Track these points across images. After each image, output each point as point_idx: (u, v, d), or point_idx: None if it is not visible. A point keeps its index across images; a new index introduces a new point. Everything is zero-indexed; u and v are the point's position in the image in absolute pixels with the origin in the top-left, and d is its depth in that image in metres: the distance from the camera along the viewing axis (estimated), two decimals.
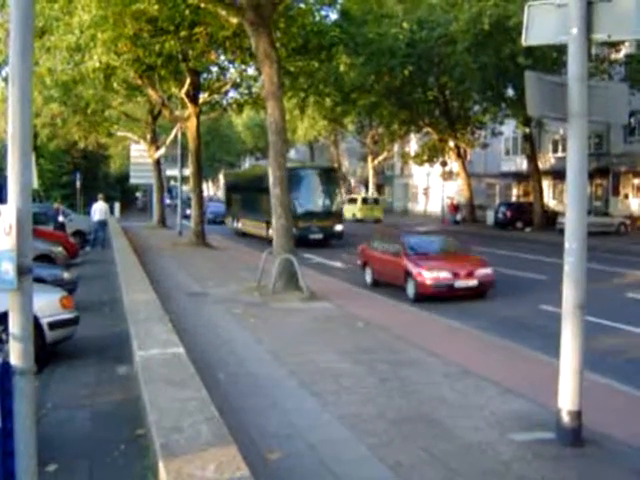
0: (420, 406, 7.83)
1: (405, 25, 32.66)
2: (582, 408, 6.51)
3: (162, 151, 39.22)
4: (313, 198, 31.30)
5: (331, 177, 32.77)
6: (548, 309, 13.99)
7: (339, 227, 31.27)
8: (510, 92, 34.41)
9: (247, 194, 37.07)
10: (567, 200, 6.44)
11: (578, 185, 6.37)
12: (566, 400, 6.49)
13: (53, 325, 9.56)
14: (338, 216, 31.77)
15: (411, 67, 33.23)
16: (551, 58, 28.93)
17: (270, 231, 21.40)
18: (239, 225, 38.32)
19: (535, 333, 12.54)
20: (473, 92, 35.62)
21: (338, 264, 24.22)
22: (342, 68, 30.28)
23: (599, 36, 6.48)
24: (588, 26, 6.32)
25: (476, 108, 40.85)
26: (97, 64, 21.75)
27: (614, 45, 29.35)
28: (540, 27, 6.81)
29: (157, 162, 40.87)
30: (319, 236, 30.38)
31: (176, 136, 35.66)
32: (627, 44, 31.31)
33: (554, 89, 6.35)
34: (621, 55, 33.07)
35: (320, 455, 6.39)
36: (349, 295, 16.20)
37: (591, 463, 6.26)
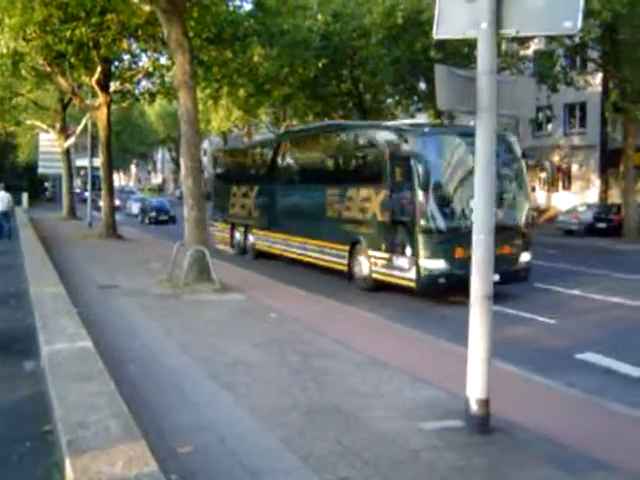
0: (332, 397, 7.85)
1: (320, 17, 32.76)
2: (490, 396, 6.63)
3: (72, 140, 38.32)
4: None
5: (516, 156, 16.54)
6: (456, 299, 14.28)
7: (526, 257, 16.14)
8: (422, 85, 34.85)
9: (291, 188, 22.05)
10: (475, 193, 6.54)
11: (486, 178, 6.48)
12: (474, 388, 6.60)
13: None
14: (525, 236, 16.29)
15: (325, 59, 33.35)
16: (462, 52, 29.40)
17: (367, 266, 16.74)
18: (260, 242, 23.68)
19: (445, 322, 12.76)
20: (386, 85, 35.89)
21: (248, 257, 24.11)
22: (256, 59, 30.19)
23: (508, 31, 6.58)
24: (497, 21, 6.40)
25: (389, 101, 41.24)
26: (4, 50, 21.16)
27: (523, 41, 30.00)
28: (450, 21, 6.87)
29: (67, 152, 39.93)
30: (494, 277, 13.57)
31: (86, 125, 34.91)
32: (536, 40, 32.10)
33: (464, 83, 6.43)
34: (530, 52, 33.86)
35: (231, 447, 6.33)
36: (262, 287, 16.16)
37: (499, 450, 6.38)
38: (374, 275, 16.42)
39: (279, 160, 23.10)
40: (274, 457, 6.19)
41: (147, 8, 17.24)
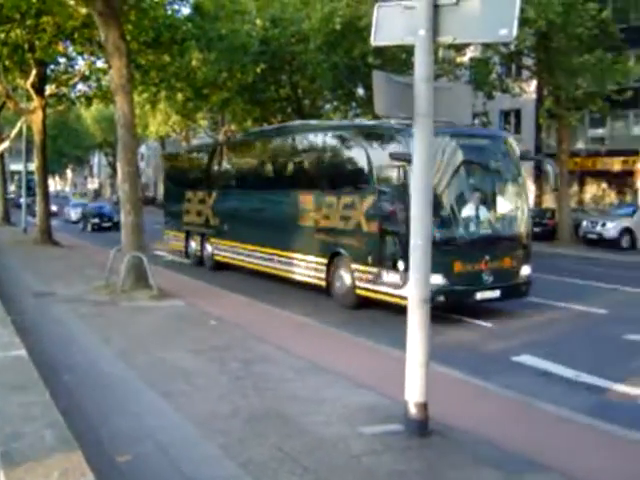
0: (273, 403, 7.83)
1: (258, 22, 32.67)
2: (429, 399, 6.69)
3: (6, 144, 37.54)
4: (487, 203, 14.31)
5: (513, 159, 14.83)
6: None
7: (527, 270, 14.51)
8: (360, 91, 35.03)
9: (258, 194, 19.80)
10: (413, 198, 6.60)
11: (423, 183, 6.54)
12: (413, 392, 6.65)
13: None
14: (526, 247, 14.72)
15: (264, 64, 33.22)
16: (400, 59, 29.66)
17: (350, 281, 15.02)
18: (220, 253, 21.68)
19: (384, 327, 12.83)
20: (325, 90, 36.00)
21: (189, 260, 23.86)
22: (194, 63, 29.97)
23: (445, 38, 6.66)
24: (435, 28, 6.47)
25: (327, 106, 41.38)
26: None
27: (460, 48, 30.40)
28: (388, 28, 6.94)
29: (1, 156, 39.11)
30: (494, 294, 13.92)
31: (21, 129, 34.23)
32: (472, 48, 32.57)
33: (401, 89, 6.49)
34: (466, 59, 34.33)
35: (170, 456, 6.27)
36: (202, 293, 16.05)
37: (437, 453, 6.44)
38: (359, 291, 14.67)
39: (243, 163, 21.59)
40: (213, 464, 6.15)
41: (84, 11, 17.07)
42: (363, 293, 14.60)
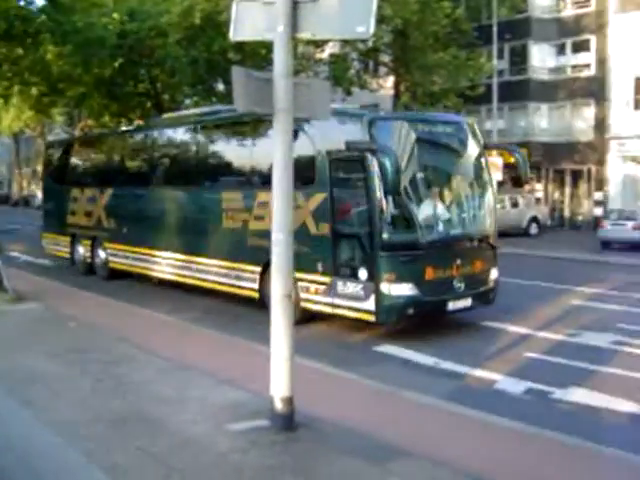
0: (137, 405, 7.68)
1: (116, 15, 31.87)
2: (294, 393, 6.72)
3: None
4: (455, 198, 12.91)
5: (478, 146, 13.22)
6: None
7: (494, 274, 13.08)
8: (221, 86, 34.82)
9: (169, 192, 17.22)
10: (274, 193, 6.61)
11: (284, 179, 6.56)
12: (278, 387, 6.67)
13: None
14: (494, 247, 13.21)
15: (122, 58, 32.47)
16: (261, 54, 29.66)
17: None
18: (117, 259, 18.70)
19: (249, 322, 12.81)
20: (184, 85, 35.56)
21: (47, 262, 22.99)
22: (49, 57, 28.95)
23: (304, 34, 6.73)
24: (293, 24, 6.51)
25: (187, 101, 40.94)
26: None
27: (319, 44, 30.71)
28: (247, 24, 6.93)
29: None
30: (466, 302, 12.37)
31: None
32: (331, 44, 32.96)
33: (260, 85, 6.48)
34: (325, 55, 34.72)
35: (33, 466, 6.05)
36: (61, 294, 15.52)
37: (304, 446, 6.49)
38: (305, 304, 12.54)
39: (152, 153, 18.37)
40: (78, 472, 5.99)
41: None
42: (310, 307, 12.55)
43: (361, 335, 12.02)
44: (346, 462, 6.13)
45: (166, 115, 21.57)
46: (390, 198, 11.17)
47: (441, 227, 12.15)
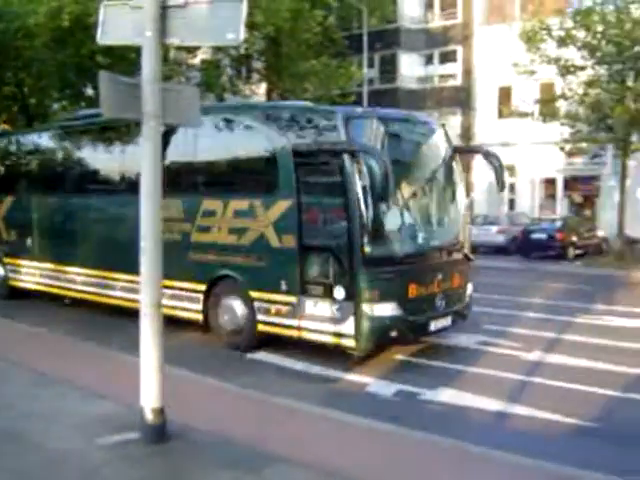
0: (5, 421, 7.37)
1: None
2: (166, 404, 6.62)
3: None
4: (432, 205, 11.76)
5: (450, 148, 12.24)
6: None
7: (470, 289, 12.14)
8: (90, 91, 33.99)
9: (86, 198, 15.14)
10: (142, 201, 6.49)
11: (152, 185, 6.46)
12: (148, 398, 6.55)
13: None
14: (469, 259, 12.24)
15: None
16: (130, 59, 29.13)
17: (245, 315, 11.43)
18: (18, 277, 16.68)
19: (121, 332, 12.52)
20: (52, 89, 34.54)
21: None
22: None
23: (172, 40, 6.64)
24: (162, 30, 6.42)
25: (55, 106, 39.78)
26: None
27: (191, 50, 30.44)
28: (116, 27, 6.80)
29: None
30: (447, 322, 11.27)
31: None
32: (204, 49, 32.73)
33: (129, 90, 6.35)
34: (197, 60, 34.45)
35: None
36: None
37: (177, 457, 6.40)
38: (263, 327, 11.16)
39: (67, 155, 15.90)
40: None
41: None
42: (268, 330, 11.13)
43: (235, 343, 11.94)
44: (220, 472, 6.08)
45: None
46: (370, 206, 9.80)
47: (422, 238, 10.84)
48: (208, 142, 12.27)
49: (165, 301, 11.20)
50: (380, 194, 9.70)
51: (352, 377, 9.89)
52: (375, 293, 9.89)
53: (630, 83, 24.84)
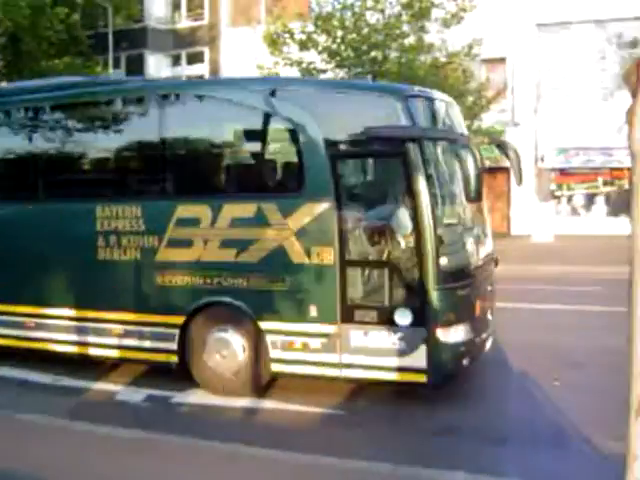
0: None
1: None
2: None
3: None
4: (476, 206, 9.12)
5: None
6: None
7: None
8: None
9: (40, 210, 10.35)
10: None
11: None
12: None
13: None
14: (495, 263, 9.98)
15: None
16: None
17: (247, 355, 8.82)
18: None
19: None
20: None
21: None
22: None
23: None
24: None
25: None
26: None
27: None
28: None
29: None
30: (489, 343, 9.24)
31: None
32: None
33: None
34: None
35: None
36: None
37: None
38: (280, 367, 8.73)
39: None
40: None
41: None
42: (290, 369, 8.73)
43: None
44: None
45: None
46: (440, 209, 8.08)
47: (479, 246, 9.00)
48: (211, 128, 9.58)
49: (112, 340, 9.63)
50: (479, 193, 7.91)
51: (101, 386, 9.68)
52: (451, 315, 8.01)
53: None
